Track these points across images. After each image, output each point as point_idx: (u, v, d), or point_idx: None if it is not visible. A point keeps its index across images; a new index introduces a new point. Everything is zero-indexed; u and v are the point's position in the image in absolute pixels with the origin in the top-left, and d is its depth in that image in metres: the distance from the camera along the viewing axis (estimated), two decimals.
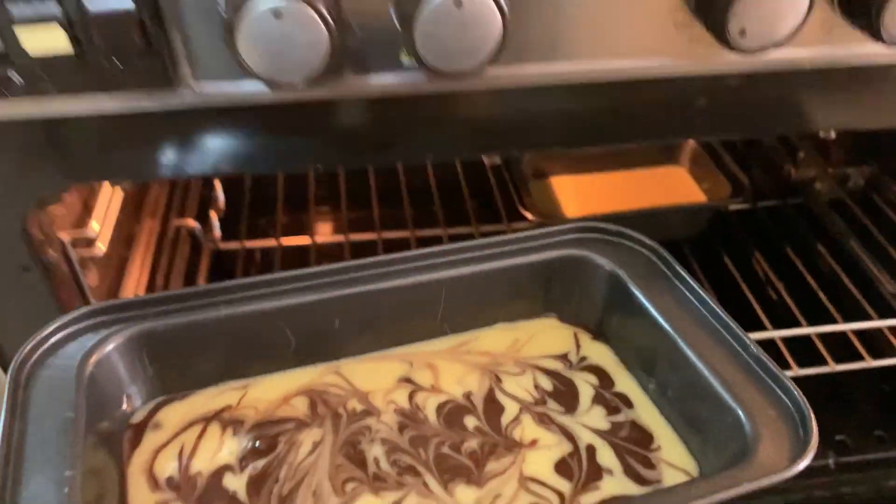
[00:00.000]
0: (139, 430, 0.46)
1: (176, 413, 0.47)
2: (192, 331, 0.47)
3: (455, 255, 0.52)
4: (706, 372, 0.44)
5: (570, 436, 0.46)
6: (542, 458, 0.45)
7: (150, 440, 0.45)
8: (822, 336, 0.72)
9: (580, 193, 0.86)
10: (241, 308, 0.48)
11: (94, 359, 0.44)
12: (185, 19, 0.40)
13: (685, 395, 0.46)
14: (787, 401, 0.41)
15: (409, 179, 0.90)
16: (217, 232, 0.86)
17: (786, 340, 0.72)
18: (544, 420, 0.47)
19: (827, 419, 0.41)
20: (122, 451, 0.45)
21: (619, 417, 0.47)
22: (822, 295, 0.78)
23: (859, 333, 0.73)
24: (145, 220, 0.76)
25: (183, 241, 0.84)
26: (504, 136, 0.50)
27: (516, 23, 0.41)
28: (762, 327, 0.73)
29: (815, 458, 0.38)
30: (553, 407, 0.48)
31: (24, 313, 0.54)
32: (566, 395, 0.49)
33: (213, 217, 0.85)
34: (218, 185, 0.87)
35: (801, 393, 0.41)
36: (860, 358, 0.71)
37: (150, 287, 0.73)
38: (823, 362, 0.70)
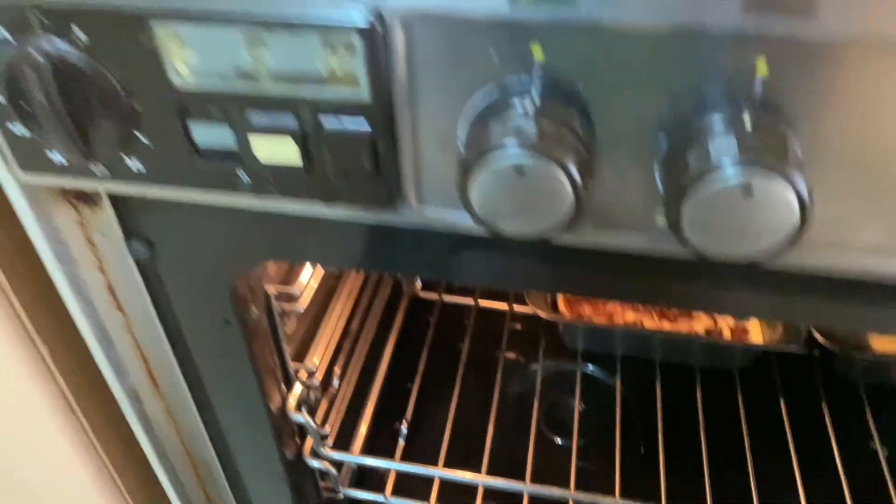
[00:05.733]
0: None
1: None
2: None
3: None
4: None
5: None
6: None
7: None
8: None
9: None
10: None
11: None
12: (420, 146, 0.36)
13: None
14: None
15: None
16: (418, 282, 0.87)
17: None
18: None
19: None
20: None
21: None
22: None
23: None
24: (349, 273, 0.77)
25: (385, 284, 0.84)
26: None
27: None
28: None
29: None
30: None
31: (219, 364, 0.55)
32: None
33: None
34: None
35: None
36: None
37: (346, 331, 0.73)
38: None
